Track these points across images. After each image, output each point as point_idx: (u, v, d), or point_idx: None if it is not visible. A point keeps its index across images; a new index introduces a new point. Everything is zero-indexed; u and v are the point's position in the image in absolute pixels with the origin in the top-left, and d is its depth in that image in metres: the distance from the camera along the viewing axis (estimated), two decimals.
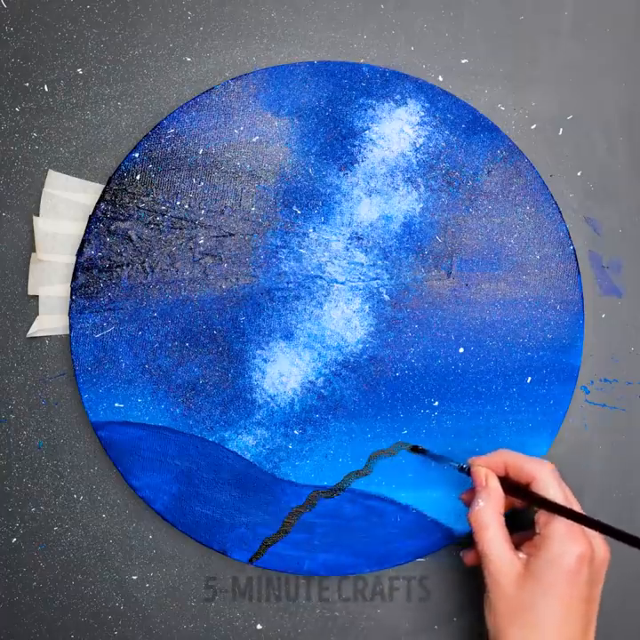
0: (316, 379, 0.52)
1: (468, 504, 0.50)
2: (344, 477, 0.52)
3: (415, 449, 0.52)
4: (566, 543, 0.44)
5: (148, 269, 0.52)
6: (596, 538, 0.45)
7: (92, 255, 0.52)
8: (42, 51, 0.55)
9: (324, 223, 0.53)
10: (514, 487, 0.47)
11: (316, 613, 0.54)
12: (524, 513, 0.51)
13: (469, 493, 0.50)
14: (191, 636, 0.53)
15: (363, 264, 0.53)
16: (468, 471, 0.48)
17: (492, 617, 0.45)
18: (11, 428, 0.54)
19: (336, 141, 0.53)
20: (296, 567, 0.52)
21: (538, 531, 0.45)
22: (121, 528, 0.54)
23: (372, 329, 0.53)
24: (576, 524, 0.44)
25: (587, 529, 0.45)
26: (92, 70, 0.54)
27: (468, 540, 0.53)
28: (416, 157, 0.53)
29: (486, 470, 0.48)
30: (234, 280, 0.52)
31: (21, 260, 0.54)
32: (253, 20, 0.55)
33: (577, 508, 0.46)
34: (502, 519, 0.46)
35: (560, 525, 0.44)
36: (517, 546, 0.46)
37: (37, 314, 0.54)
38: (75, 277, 0.52)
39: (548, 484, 0.45)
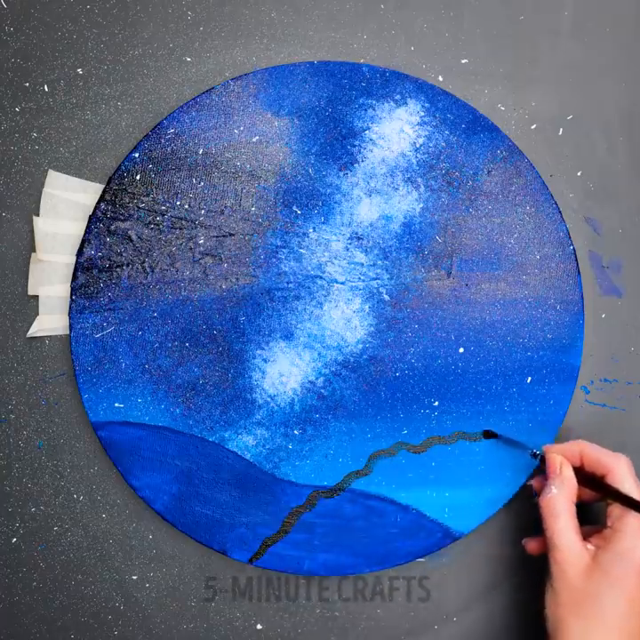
0: (316, 379, 0.52)
1: (538, 491, 0.50)
2: (344, 477, 0.52)
3: (487, 434, 0.52)
4: (638, 538, 0.44)
5: (148, 269, 0.52)
6: None
7: (92, 255, 0.52)
8: (42, 51, 0.55)
9: (324, 223, 0.53)
10: (588, 478, 0.47)
11: (316, 613, 0.54)
12: (591, 506, 0.51)
13: (540, 480, 0.50)
14: (191, 636, 0.53)
15: (363, 264, 0.53)
16: (540, 458, 0.49)
17: (554, 606, 0.45)
18: (11, 428, 0.54)
19: (336, 141, 0.53)
20: (296, 567, 0.52)
21: (610, 524, 0.45)
22: (121, 528, 0.54)
23: (372, 329, 0.53)
24: None
25: None
26: (92, 70, 0.55)
27: (466, 541, 0.53)
28: (416, 157, 0.53)
29: (562, 458, 0.48)
30: (234, 280, 0.52)
31: (21, 260, 0.54)
32: (253, 19, 0.55)
33: None
34: (574, 509, 0.46)
35: (633, 520, 0.44)
36: (585, 537, 0.46)
37: (37, 314, 0.54)
38: (75, 277, 0.52)
39: (624, 477, 0.46)
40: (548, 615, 0.46)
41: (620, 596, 0.43)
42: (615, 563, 0.44)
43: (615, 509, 0.45)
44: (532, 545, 0.50)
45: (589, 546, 0.45)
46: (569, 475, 0.47)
